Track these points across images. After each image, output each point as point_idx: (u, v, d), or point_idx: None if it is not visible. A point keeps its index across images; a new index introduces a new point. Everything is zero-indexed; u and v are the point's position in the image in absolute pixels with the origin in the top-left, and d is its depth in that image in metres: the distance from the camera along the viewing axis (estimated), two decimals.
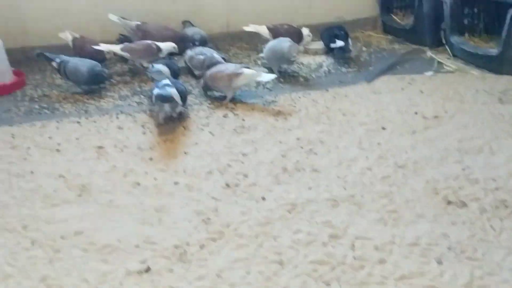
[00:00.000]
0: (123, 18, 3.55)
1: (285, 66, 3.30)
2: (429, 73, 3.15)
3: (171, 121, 2.54)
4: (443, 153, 2.13)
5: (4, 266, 1.57)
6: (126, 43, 3.29)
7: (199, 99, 2.91)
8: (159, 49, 3.21)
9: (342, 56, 3.49)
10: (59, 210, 1.85)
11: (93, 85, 3.01)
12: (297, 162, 2.12)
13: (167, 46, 3.24)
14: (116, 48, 3.25)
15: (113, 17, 3.54)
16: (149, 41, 3.24)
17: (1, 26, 3.51)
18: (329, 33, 3.54)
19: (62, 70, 2.94)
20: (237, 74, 2.71)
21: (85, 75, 2.92)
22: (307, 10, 4.16)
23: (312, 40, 3.82)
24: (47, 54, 3.07)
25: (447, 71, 3.17)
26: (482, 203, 1.78)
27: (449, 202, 1.79)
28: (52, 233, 1.71)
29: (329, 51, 3.63)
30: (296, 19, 4.07)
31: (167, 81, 2.59)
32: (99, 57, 3.35)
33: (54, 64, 3.00)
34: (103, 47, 3.27)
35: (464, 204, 1.77)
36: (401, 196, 1.84)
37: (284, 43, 3.14)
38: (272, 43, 3.24)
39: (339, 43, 3.38)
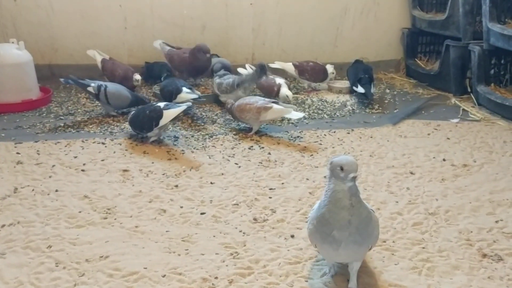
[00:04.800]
0: (166, 44, 3.61)
1: None
2: (455, 120, 3.13)
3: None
4: (475, 203, 2.08)
5: (27, 286, 1.52)
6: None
7: (224, 129, 2.90)
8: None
9: (363, 99, 3.49)
10: (84, 232, 1.81)
11: (132, 107, 2.99)
12: None
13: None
14: None
15: (156, 43, 3.62)
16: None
17: (31, 42, 3.56)
18: (354, 74, 3.54)
19: (102, 93, 2.90)
20: (266, 108, 2.71)
21: (130, 99, 2.96)
22: (332, 49, 4.20)
23: (336, 79, 3.85)
24: (80, 80, 2.99)
25: (473, 120, 3.15)
26: None
27: (484, 255, 1.73)
28: (77, 255, 1.67)
29: (352, 91, 3.64)
30: (321, 57, 4.12)
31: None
32: (128, 84, 3.37)
33: (90, 89, 2.92)
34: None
35: (500, 258, 1.71)
36: (434, 245, 1.79)
37: None
38: None
39: (360, 89, 3.38)
